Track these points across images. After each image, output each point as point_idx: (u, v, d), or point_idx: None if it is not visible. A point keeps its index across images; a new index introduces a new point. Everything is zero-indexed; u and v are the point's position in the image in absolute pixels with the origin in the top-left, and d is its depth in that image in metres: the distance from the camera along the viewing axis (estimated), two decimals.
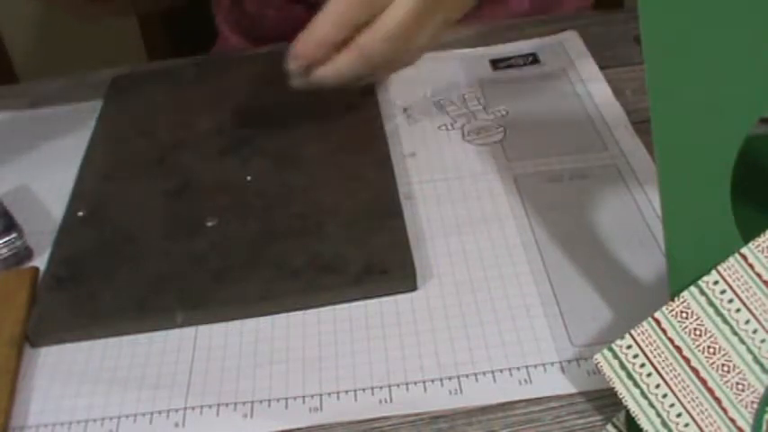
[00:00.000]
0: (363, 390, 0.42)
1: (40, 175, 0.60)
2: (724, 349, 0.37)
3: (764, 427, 0.36)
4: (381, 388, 0.42)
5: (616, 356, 0.38)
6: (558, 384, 0.42)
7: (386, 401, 0.42)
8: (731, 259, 0.38)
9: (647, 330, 0.38)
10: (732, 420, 0.36)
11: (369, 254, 0.49)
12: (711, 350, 0.37)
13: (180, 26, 1.03)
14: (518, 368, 0.43)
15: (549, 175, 0.54)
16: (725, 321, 0.37)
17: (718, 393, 0.37)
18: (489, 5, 0.75)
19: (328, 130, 0.60)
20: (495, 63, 0.66)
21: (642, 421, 0.37)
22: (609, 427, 0.39)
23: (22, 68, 1.46)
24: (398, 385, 0.42)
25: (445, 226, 0.52)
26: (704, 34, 0.37)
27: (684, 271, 0.38)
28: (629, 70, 0.64)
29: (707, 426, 0.36)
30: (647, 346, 0.38)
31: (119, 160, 0.60)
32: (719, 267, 0.38)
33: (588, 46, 0.67)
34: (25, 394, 0.44)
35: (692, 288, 0.38)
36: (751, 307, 0.37)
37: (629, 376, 0.38)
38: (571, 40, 0.68)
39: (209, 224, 0.52)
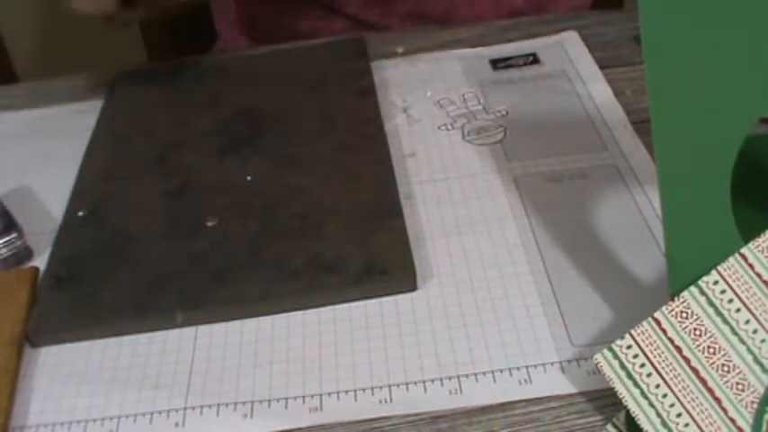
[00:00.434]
0: (363, 390, 0.42)
1: (40, 175, 0.60)
2: (724, 349, 0.37)
3: (764, 427, 0.36)
4: (381, 388, 0.42)
5: (616, 356, 0.38)
6: (558, 384, 0.42)
7: (386, 401, 0.42)
8: (731, 259, 0.38)
9: (647, 330, 0.38)
10: (732, 420, 0.36)
11: (369, 254, 0.49)
12: (711, 350, 0.37)
13: (180, 26, 1.03)
14: (518, 368, 0.43)
15: (549, 175, 0.54)
16: (725, 321, 0.37)
17: (718, 393, 0.37)
18: None
19: (328, 130, 0.60)
20: (495, 63, 0.66)
21: (642, 421, 0.37)
22: (609, 427, 0.39)
23: (22, 68, 1.46)
24: (398, 385, 0.42)
25: (445, 226, 0.52)
26: (704, 34, 0.37)
27: (684, 271, 0.38)
28: (629, 70, 0.64)
29: (707, 426, 0.36)
30: (647, 346, 0.38)
31: (119, 160, 0.60)
32: (719, 267, 0.38)
33: (588, 46, 0.67)
34: (25, 394, 0.44)
35: (692, 288, 0.38)
36: (751, 307, 0.37)
37: (629, 376, 0.38)
38: (571, 40, 0.68)
39: (209, 224, 0.52)
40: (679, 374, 0.37)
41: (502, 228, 0.51)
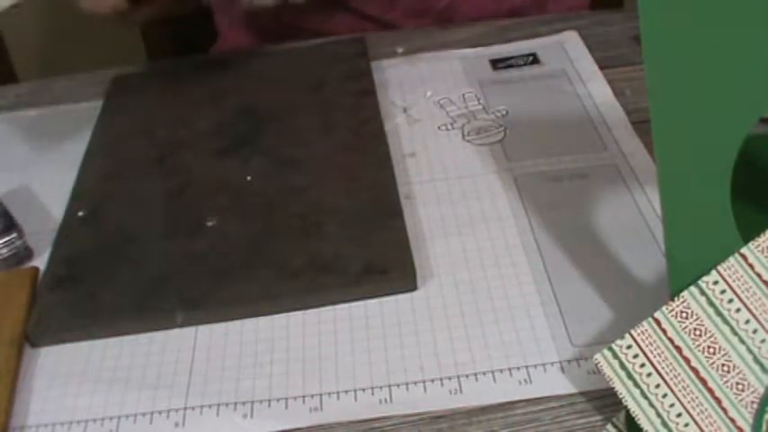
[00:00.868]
0: (363, 390, 0.42)
1: (40, 175, 0.60)
2: (724, 349, 0.37)
3: (764, 427, 0.36)
4: (381, 388, 0.42)
5: (616, 356, 0.38)
6: (558, 384, 0.42)
7: (386, 401, 0.42)
8: (731, 259, 0.38)
9: (647, 330, 0.38)
10: (732, 420, 0.36)
11: (369, 254, 0.49)
12: (711, 350, 0.37)
13: (180, 26, 1.03)
14: (518, 368, 0.43)
15: (549, 175, 0.54)
16: (725, 321, 0.37)
17: (718, 393, 0.37)
18: None
19: (328, 130, 0.60)
20: (495, 63, 0.66)
21: (642, 421, 0.37)
22: (609, 427, 0.39)
23: (22, 68, 1.46)
24: (398, 385, 0.42)
25: (445, 226, 0.52)
26: (704, 34, 0.37)
27: (684, 271, 0.38)
28: (629, 70, 0.64)
29: (707, 426, 0.36)
30: (647, 346, 0.38)
31: (119, 160, 0.60)
32: (719, 267, 0.38)
33: (588, 46, 0.67)
34: (25, 394, 0.44)
35: (692, 288, 0.38)
36: (751, 307, 0.37)
37: (629, 376, 0.38)
38: (571, 40, 0.68)
39: (209, 224, 0.52)
40: (679, 374, 0.37)
41: (502, 228, 0.51)
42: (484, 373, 0.42)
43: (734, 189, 0.38)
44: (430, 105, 0.63)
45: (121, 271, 0.50)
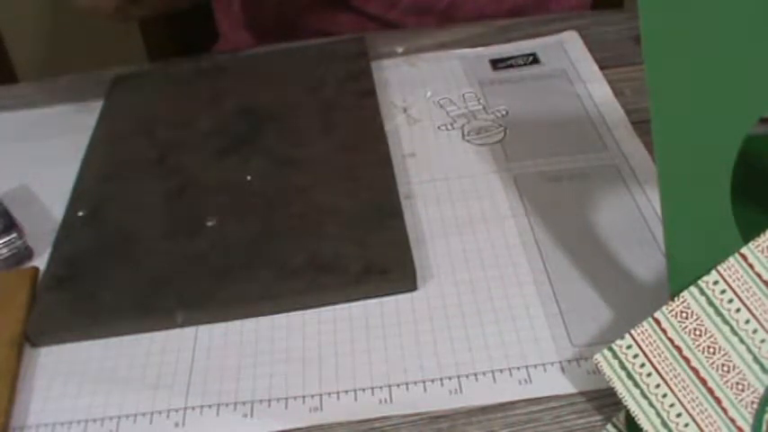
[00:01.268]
0: (363, 390, 0.42)
1: (40, 175, 0.60)
2: (724, 349, 0.37)
3: (764, 427, 0.36)
4: (381, 388, 0.42)
5: (616, 356, 0.38)
6: (558, 384, 0.42)
7: (386, 401, 0.42)
8: (731, 259, 0.38)
9: (647, 330, 0.38)
10: (732, 420, 0.36)
11: (369, 254, 0.49)
12: (711, 350, 0.37)
13: (180, 26, 1.03)
14: (518, 368, 0.43)
15: (549, 175, 0.54)
16: (725, 321, 0.37)
17: (718, 393, 0.37)
18: None
19: (328, 130, 0.60)
20: (495, 63, 0.66)
21: (642, 421, 0.37)
22: (609, 427, 0.39)
23: (22, 68, 1.46)
24: (398, 385, 0.42)
25: (445, 226, 0.52)
26: (704, 34, 0.37)
27: (684, 271, 0.38)
28: (629, 70, 0.64)
29: (707, 426, 0.36)
30: (647, 346, 0.38)
31: (119, 160, 0.60)
32: (719, 267, 0.38)
33: (588, 46, 0.67)
34: (25, 394, 0.44)
35: (692, 288, 0.38)
36: (751, 307, 0.37)
37: (629, 376, 0.38)
38: (571, 40, 0.68)
39: (209, 224, 0.52)
40: (679, 374, 0.37)
41: (502, 228, 0.51)
42: (484, 373, 0.42)
43: (734, 189, 0.38)
44: (430, 105, 0.63)
45: (121, 271, 0.50)
